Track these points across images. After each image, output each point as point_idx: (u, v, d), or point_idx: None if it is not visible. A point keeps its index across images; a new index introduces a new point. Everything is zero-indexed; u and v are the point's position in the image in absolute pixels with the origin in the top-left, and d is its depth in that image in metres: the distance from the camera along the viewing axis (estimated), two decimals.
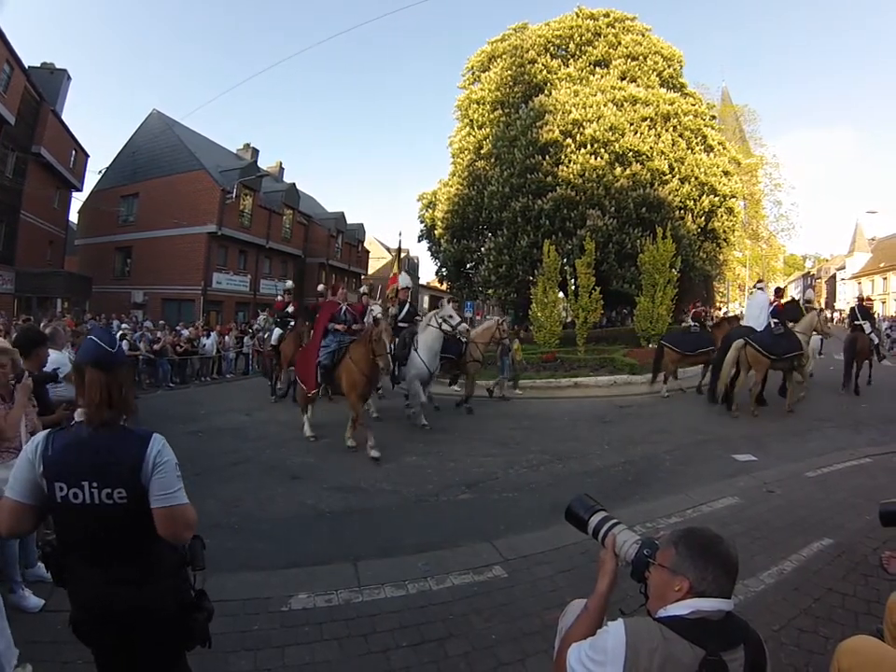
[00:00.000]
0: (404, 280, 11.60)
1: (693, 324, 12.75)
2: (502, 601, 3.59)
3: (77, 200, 27.43)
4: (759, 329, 10.08)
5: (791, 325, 10.17)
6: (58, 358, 4.71)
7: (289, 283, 14.41)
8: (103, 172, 27.40)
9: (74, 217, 28.66)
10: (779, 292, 11.02)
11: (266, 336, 14.46)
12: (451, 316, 9.27)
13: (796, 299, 11.53)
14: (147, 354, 14.47)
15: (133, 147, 28.52)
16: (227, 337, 18.85)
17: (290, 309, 12.82)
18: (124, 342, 13.68)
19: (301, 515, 5.39)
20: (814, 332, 10.62)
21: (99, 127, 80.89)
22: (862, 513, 4.70)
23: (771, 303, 10.34)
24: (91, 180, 27.84)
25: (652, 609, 1.59)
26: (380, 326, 7.37)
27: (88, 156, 26.92)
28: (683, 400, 11.98)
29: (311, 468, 6.95)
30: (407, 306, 10.69)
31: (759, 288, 11.68)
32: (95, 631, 1.86)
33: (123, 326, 16.48)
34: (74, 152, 25.56)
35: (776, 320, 10.01)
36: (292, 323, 12.45)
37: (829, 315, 12.05)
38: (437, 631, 3.24)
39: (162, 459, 1.81)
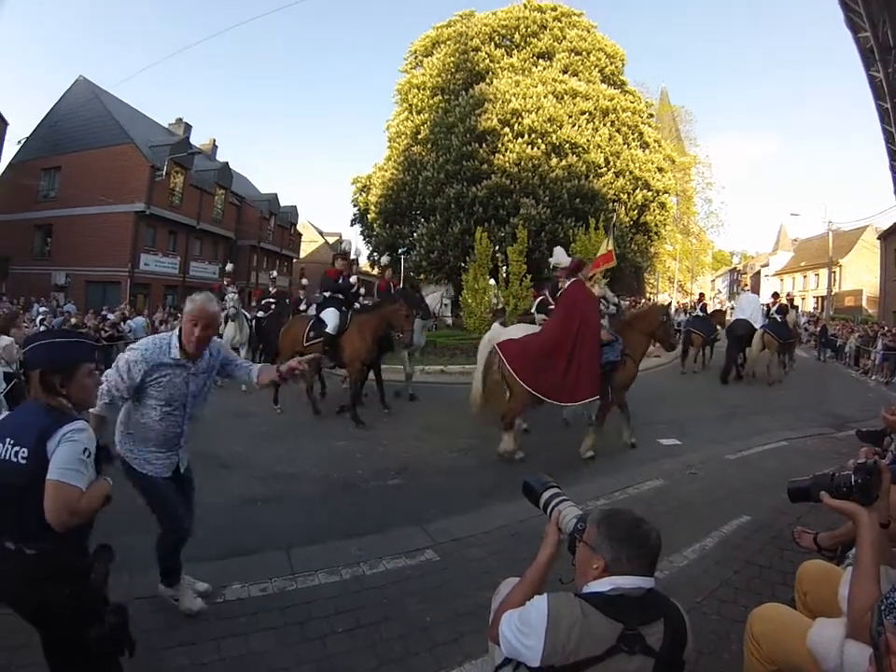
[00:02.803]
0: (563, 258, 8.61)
1: (702, 314, 15.51)
2: (435, 584, 3.63)
3: None
4: (754, 322, 13.31)
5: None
6: None
7: (346, 244, 12.12)
8: (22, 142, 25.68)
9: None
10: (777, 295, 14.69)
11: (262, 322, 11.95)
12: (605, 298, 8.29)
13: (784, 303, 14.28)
14: None
15: (56, 117, 26.73)
16: (164, 326, 18.16)
17: (352, 280, 9.44)
18: (42, 327, 12.97)
19: (231, 504, 5.22)
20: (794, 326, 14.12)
21: (20, 92, 75.89)
22: (778, 492, 4.88)
23: (774, 303, 14.07)
24: (9, 151, 25.92)
25: (577, 584, 1.67)
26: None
27: (7, 124, 24.88)
28: None
29: (240, 456, 6.77)
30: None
31: (747, 291, 14.44)
32: None
33: (42, 310, 15.61)
34: None
35: (779, 315, 13.54)
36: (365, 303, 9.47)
37: None
38: (372, 615, 3.25)
39: (72, 438, 1.89)
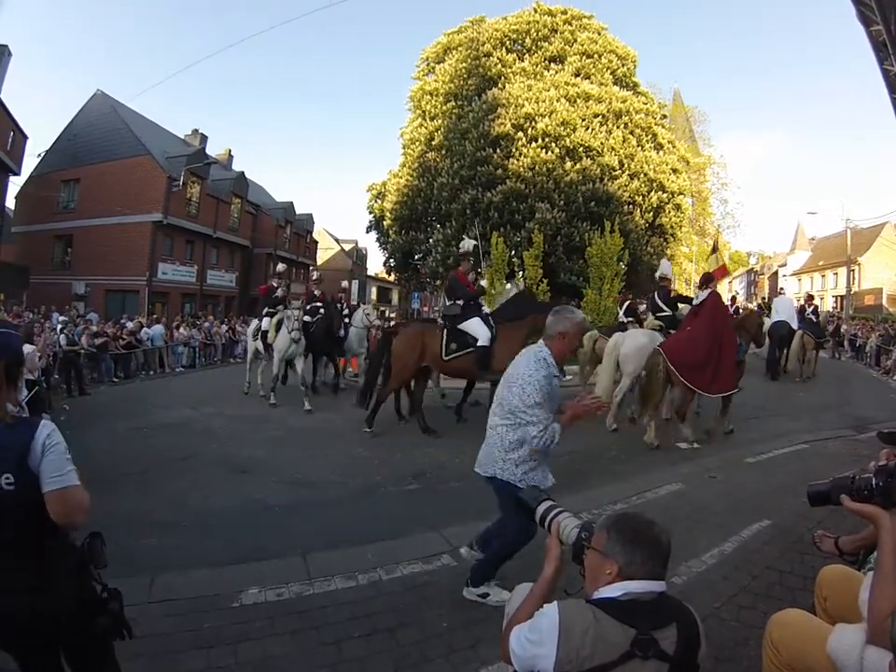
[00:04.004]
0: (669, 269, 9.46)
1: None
2: (452, 589, 3.61)
3: (14, 185, 25.84)
4: (791, 323, 13.98)
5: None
6: None
7: (469, 242, 9.43)
8: (42, 155, 26.16)
9: (11, 202, 27.00)
10: (812, 297, 16.72)
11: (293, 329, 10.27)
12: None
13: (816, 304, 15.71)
14: (88, 349, 13.76)
15: (74, 130, 27.18)
16: (181, 329, 18.52)
17: (483, 283, 8.98)
18: (62, 335, 13.15)
19: (250, 510, 5.30)
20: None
21: (39, 106, 77.37)
22: (798, 496, 4.84)
23: (809, 304, 15.74)
24: (29, 164, 26.39)
25: (588, 591, 1.65)
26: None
27: (26, 138, 25.19)
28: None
29: (259, 462, 6.85)
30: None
31: (783, 294, 15.73)
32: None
33: (62, 319, 15.80)
34: (12, 133, 23.88)
35: (814, 316, 15.10)
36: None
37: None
38: (388, 620, 3.26)
39: (52, 442, 1.81)
